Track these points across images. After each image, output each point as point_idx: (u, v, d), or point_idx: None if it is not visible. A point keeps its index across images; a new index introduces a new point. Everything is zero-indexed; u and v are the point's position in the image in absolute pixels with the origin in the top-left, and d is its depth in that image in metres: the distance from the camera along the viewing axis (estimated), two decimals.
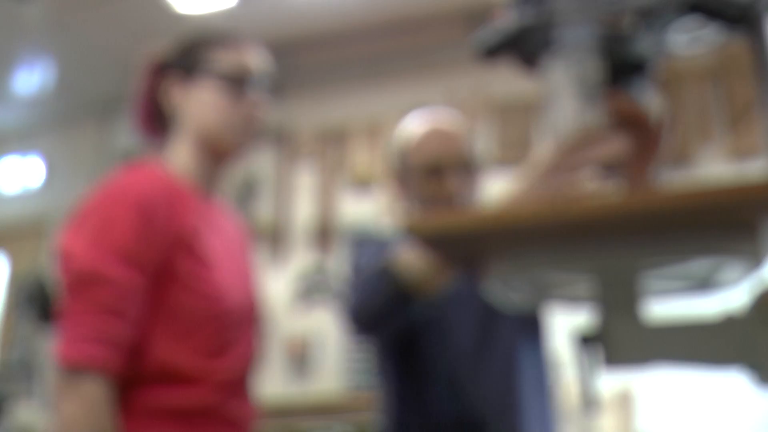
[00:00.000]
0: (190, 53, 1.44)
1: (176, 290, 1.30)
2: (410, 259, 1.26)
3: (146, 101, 1.47)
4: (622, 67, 0.86)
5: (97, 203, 1.32)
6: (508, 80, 3.36)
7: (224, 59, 1.41)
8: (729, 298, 0.84)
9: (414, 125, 1.64)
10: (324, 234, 4.35)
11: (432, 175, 1.56)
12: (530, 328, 1.64)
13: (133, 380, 1.26)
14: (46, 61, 4.55)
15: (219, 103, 1.40)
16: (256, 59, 1.45)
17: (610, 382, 3.39)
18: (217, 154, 1.42)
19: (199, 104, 1.41)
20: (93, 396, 1.20)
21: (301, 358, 4.18)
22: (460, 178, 1.57)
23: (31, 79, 4.70)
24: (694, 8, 0.84)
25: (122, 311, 1.24)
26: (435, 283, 1.28)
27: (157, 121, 1.48)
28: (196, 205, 1.38)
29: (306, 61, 4.39)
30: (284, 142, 4.53)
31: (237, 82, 1.40)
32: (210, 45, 1.44)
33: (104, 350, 1.22)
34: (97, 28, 4.26)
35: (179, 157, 1.42)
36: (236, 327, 1.38)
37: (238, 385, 1.37)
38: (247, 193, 4.53)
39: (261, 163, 4.52)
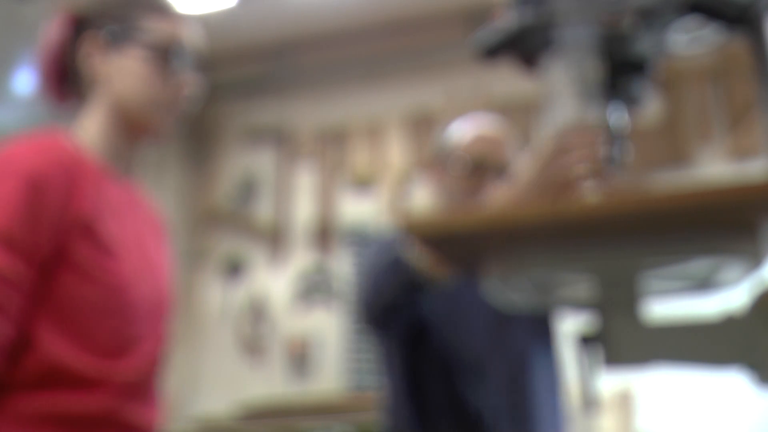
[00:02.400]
0: (117, 15, 1.28)
1: (71, 280, 1.14)
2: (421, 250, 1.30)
3: (56, 57, 1.30)
4: (622, 67, 0.86)
5: None
6: (508, 80, 3.35)
7: (156, 28, 1.27)
8: (729, 298, 0.84)
9: (468, 124, 1.70)
10: (324, 234, 4.34)
11: (471, 173, 1.62)
12: (543, 330, 1.66)
13: (14, 383, 1.10)
14: None
15: (145, 75, 1.25)
16: (190, 33, 1.31)
17: (610, 382, 3.39)
18: (133, 130, 1.28)
19: (122, 74, 1.26)
20: None
21: (301, 358, 4.17)
22: (495, 182, 1.62)
23: (31, 79, 4.70)
24: (694, 8, 0.85)
25: (2, 306, 1.08)
26: (444, 272, 1.30)
27: (66, 83, 1.31)
28: (102, 185, 1.22)
29: (306, 61, 4.39)
30: (284, 142, 4.53)
31: (167, 56, 1.26)
32: (141, 9, 1.29)
33: None
34: None
35: (90, 129, 1.27)
36: (142, 322, 1.22)
37: (141, 388, 1.21)
38: (247, 193, 4.52)
39: (261, 163, 4.52)
